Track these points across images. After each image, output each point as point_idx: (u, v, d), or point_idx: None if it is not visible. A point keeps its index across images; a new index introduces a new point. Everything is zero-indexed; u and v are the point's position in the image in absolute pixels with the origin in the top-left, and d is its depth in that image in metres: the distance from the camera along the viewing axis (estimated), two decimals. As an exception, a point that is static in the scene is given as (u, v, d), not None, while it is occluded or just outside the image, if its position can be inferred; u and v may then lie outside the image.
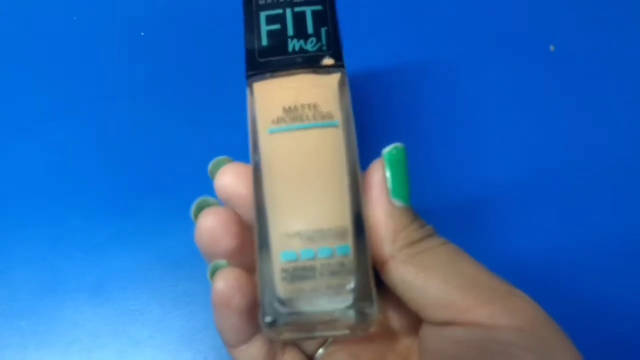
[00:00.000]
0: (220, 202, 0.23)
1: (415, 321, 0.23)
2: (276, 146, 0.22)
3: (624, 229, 0.32)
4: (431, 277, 0.21)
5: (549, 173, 0.33)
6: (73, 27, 0.37)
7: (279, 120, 0.22)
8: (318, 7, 0.24)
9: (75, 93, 0.35)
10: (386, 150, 0.22)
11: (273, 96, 0.23)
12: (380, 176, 0.22)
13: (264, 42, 0.24)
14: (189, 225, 0.31)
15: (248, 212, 0.22)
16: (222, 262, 0.22)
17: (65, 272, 0.32)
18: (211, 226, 0.22)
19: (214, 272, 0.22)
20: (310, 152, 0.22)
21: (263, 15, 0.24)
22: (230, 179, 0.23)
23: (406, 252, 0.21)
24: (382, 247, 0.21)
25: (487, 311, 0.20)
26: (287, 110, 0.22)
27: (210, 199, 0.23)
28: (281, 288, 0.20)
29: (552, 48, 0.35)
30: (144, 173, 0.33)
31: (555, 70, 0.35)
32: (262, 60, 0.23)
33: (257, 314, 0.21)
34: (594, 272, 0.31)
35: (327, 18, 0.24)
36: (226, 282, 0.21)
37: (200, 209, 0.23)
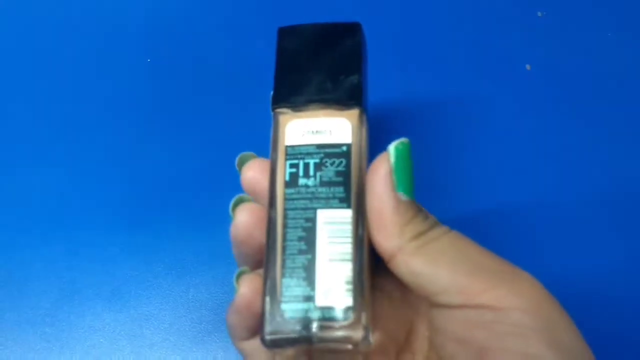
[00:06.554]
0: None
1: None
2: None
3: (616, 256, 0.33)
4: (439, 266, 0.21)
5: (556, 196, 0.34)
6: (83, 54, 0.39)
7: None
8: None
9: (87, 114, 0.37)
10: (393, 144, 0.22)
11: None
12: (386, 170, 0.22)
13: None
14: (197, 236, 0.34)
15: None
16: (246, 268, 0.24)
17: (83, 282, 0.33)
18: (245, 221, 0.24)
19: (238, 277, 0.23)
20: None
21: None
22: (255, 173, 0.24)
23: (414, 244, 0.22)
24: (390, 240, 0.22)
25: (495, 295, 0.20)
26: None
27: (245, 196, 0.25)
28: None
29: (528, 67, 0.37)
30: (154, 189, 0.35)
31: (532, 88, 0.37)
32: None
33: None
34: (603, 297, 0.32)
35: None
36: (250, 288, 0.23)
37: (236, 204, 0.24)
